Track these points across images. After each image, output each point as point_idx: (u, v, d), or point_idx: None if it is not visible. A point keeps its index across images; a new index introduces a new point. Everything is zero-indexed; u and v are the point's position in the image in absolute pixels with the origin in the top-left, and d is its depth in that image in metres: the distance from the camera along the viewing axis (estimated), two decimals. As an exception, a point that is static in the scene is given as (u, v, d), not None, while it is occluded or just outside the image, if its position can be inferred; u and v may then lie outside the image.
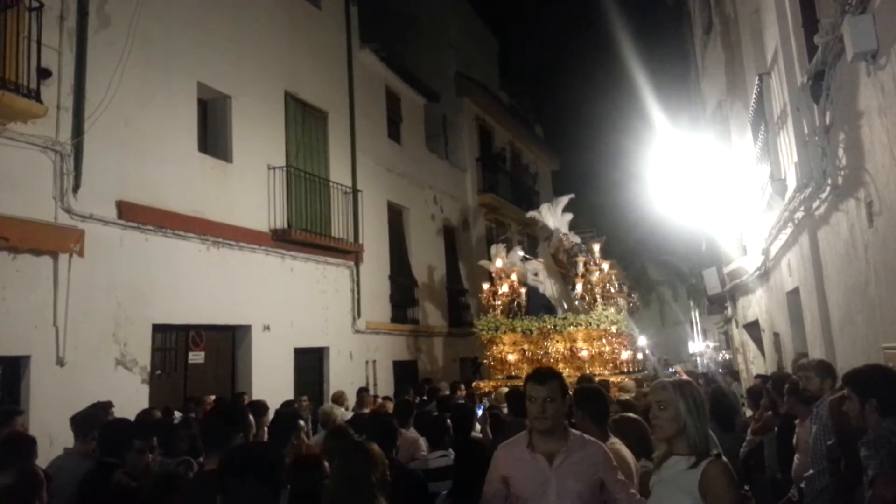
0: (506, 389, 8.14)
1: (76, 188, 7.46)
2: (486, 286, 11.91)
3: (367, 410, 7.76)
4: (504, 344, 11.15)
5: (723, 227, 12.17)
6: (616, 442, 3.67)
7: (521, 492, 3.16)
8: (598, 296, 10.96)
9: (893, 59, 3.64)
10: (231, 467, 2.11)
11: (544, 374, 3.30)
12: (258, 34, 10.81)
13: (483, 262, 12.86)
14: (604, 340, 10.74)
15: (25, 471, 3.07)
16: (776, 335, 9.49)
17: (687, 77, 17.35)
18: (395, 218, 14.82)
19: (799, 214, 6.38)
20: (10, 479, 2.97)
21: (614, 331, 10.76)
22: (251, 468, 2.08)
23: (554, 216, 12.28)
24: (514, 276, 11.87)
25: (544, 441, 3.18)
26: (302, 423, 4.25)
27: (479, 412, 6.92)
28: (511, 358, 10.95)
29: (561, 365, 10.53)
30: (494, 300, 11.53)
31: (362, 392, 9.49)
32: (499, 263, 11.93)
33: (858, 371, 3.46)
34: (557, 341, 10.89)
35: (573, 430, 3.31)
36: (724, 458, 2.71)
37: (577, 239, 12.07)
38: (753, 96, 7.51)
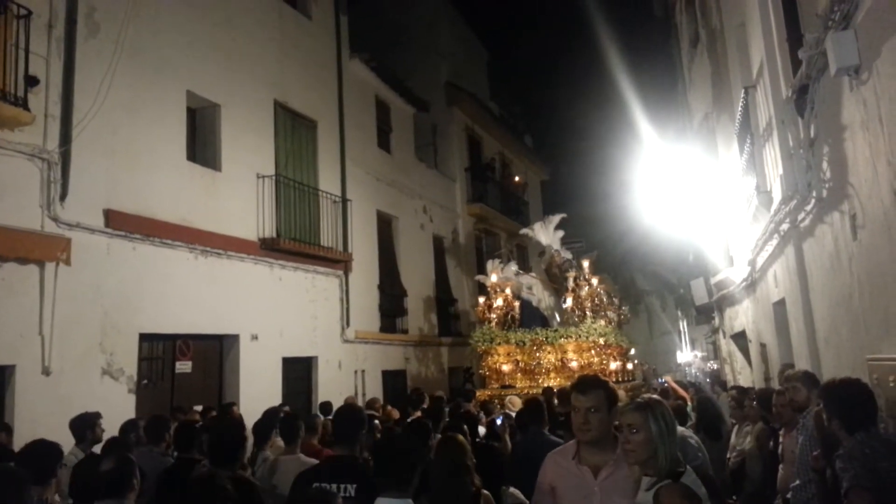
0: (516, 398, 8.41)
1: (63, 196, 7.41)
2: (481, 299, 12.32)
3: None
4: (499, 355, 11.51)
5: (710, 237, 12.27)
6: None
7: (566, 503, 3.08)
8: (587, 309, 11.37)
9: (875, 74, 3.70)
10: (379, 451, 3.13)
11: (587, 384, 3.14)
12: (248, 43, 10.82)
13: (480, 277, 13.32)
14: (593, 352, 11.11)
15: (123, 457, 3.44)
16: (763, 346, 9.55)
17: (674, 89, 17.52)
18: (385, 227, 14.82)
19: (784, 226, 6.44)
20: (109, 465, 3.34)
21: (602, 342, 11.13)
22: (397, 451, 3.08)
23: (546, 233, 12.80)
24: (508, 290, 12.24)
25: (591, 453, 3.05)
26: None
27: (499, 422, 7.07)
28: (505, 368, 11.31)
29: (552, 375, 10.99)
30: (490, 313, 11.91)
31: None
32: (494, 278, 12.31)
33: (829, 385, 3.54)
34: (549, 352, 11.26)
35: None
36: (692, 477, 2.61)
37: (568, 255, 12.62)
38: (739, 109, 7.59)
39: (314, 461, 4.39)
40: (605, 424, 3.04)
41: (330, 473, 3.43)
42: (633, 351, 16.18)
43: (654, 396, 2.89)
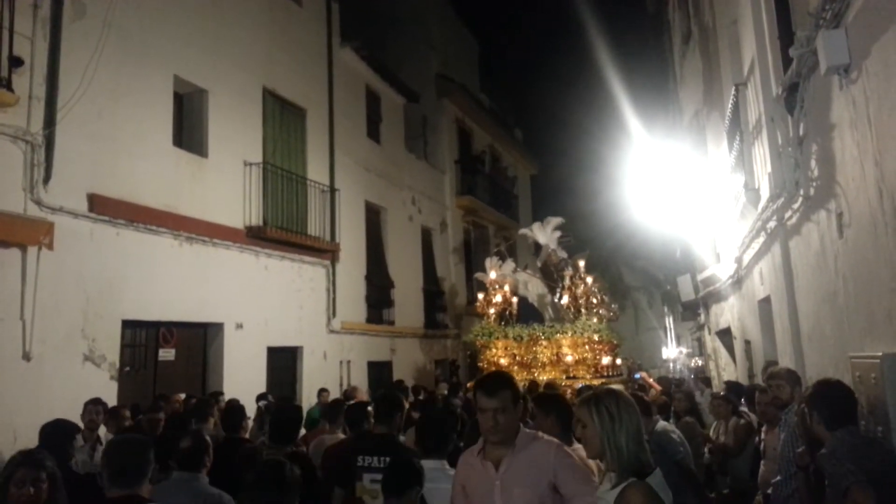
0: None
1: (47, 180, 7.30)
2: (480, 295, 12.76)
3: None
4: (497, 349, 11.78)
5: (697, 234, 12.31)
6: (580, 448, 3.31)
7: (473, 500, 3.05)
8: (582, 307, 11.71)
9: (865, 73, 3.69)
10: (426, 424, 3.87)
11: (494, 384, 3.07)
12: (237, 29, 10.71)
13: (479, 275, 13.66)
14: (587, 347, 11.43)
15: (200, 436, 3.98)
16: (747, 343, 9.61)
17: (665, 85, 17.53)
18: (373, 218, 14.76)
19: (771, 224, 6.45)
20: (187, 443, 3.84)
21: (596, 339, 11.46)
22: (438, 427, 3.80)
23: (544, 233, 13.21)
24: (506, 287, 12.60)
25: (495, 448, 3.05)
26: (370, 409, 5.23)
27: None
28: (503, 362, 11.55)
29: (548, 368, 11.36)
30: (488, 308, 12.27)
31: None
32: (493, 275, 12.65)
33: (814, 385, 3.61)
34: (545, 347, 11.57)
35: (524, 430, 3.12)
36: (659, 479, 2.46)
37: (564, 254, 12.99)
38: (729, 106, 7.60)
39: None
40: (513, 423, 3.05)
41: (372, 448, 4.11)
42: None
43: (613, 387, 2.79)
